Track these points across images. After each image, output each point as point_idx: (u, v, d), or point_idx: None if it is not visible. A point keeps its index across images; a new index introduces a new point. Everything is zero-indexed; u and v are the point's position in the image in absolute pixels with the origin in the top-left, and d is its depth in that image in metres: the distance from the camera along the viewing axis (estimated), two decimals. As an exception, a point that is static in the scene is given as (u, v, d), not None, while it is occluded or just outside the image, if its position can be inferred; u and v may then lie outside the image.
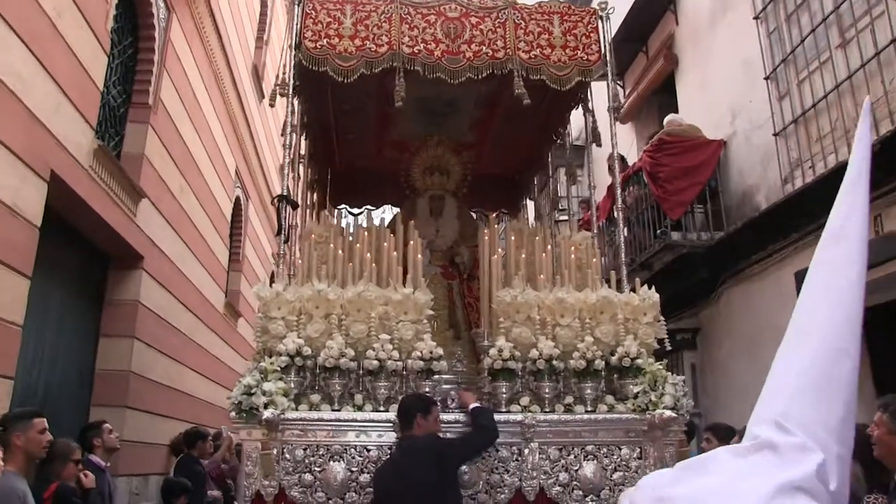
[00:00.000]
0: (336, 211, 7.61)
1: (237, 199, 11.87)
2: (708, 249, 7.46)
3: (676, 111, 8.95)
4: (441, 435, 4.23)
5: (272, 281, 5.06)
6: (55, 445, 4.30)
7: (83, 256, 6.95)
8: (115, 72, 7.05)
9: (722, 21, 7.94)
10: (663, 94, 9.65)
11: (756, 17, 7.04)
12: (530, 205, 8.39)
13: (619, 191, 5.80)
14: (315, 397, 4.46)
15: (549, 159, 7.23)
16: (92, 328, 7.18)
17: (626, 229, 7.47)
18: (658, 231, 7.74)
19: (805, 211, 6.06)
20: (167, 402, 8.33)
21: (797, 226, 6.22)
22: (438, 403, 4.44)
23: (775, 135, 6.65)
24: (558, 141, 6.85)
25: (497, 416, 4.44)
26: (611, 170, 5.87)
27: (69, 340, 6.69)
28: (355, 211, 7.84)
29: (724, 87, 7.89)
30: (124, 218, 6.95)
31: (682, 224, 7.70)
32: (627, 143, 9.69)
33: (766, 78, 6.83)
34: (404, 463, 3.99)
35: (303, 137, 6.15)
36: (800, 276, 6.22)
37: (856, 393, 1.93)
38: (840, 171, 5.39)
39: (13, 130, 4.96)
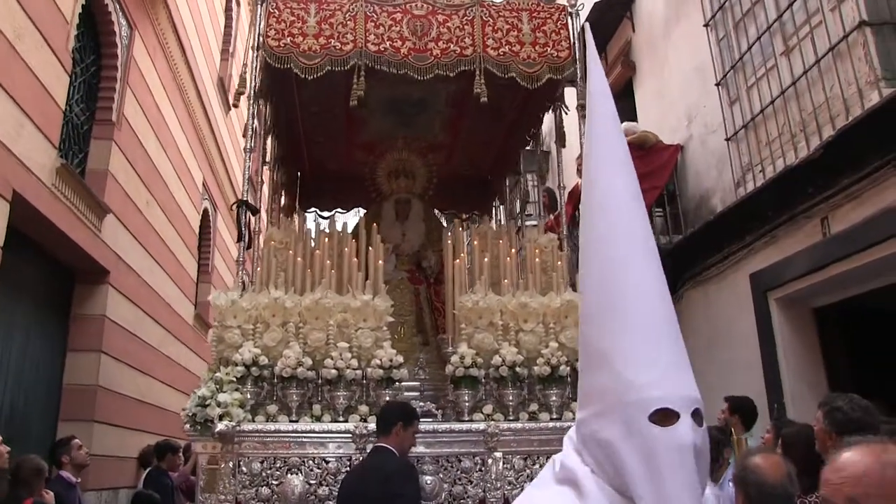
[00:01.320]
0: (304, 215, 7.52)
1: (205, 210, 11.88)
2: (667, 252, 7.60)
3: (635, 116, 9.14)
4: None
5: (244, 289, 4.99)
6: (27, 462, 4.26)
7: (49, 272, 6.97)
8: (78, 90, 7.09)
9: (676, 28, 8.12)
10: (622, 100, 9.80)
11: (706, 25, 7.22)
12: (501, 207, 8.35)
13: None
14: (272, 408, 4.38)
15: (520, 161, 7.19)
16: (59, 343, 7.20)
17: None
18: (618, 235, 7.87)
19: (757, 214, 6.24)
20: (136, 416, 8.35)
21: (750, 228, 6.39)
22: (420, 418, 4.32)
23: (727, 139, 6.82)
24: (530, 143, 6.87)
25: (460, 426, 4.40)
26: (579, 171, 5.90)
27: (36, 355, 6.71)
28: (325, 214, 7.76)
29: (680, 92, 8.07)
30: (89, 234, 6.98)
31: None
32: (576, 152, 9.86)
33: (717, 84, 7.01)
34: (370, 475, 3.87)
35: (269, 140, 6.08)
36: (755, 278, 6.42)
37: None
38: (789, 174, 5.65)
39: (-26, 152, 5.01)
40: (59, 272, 7.17)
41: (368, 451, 4.14)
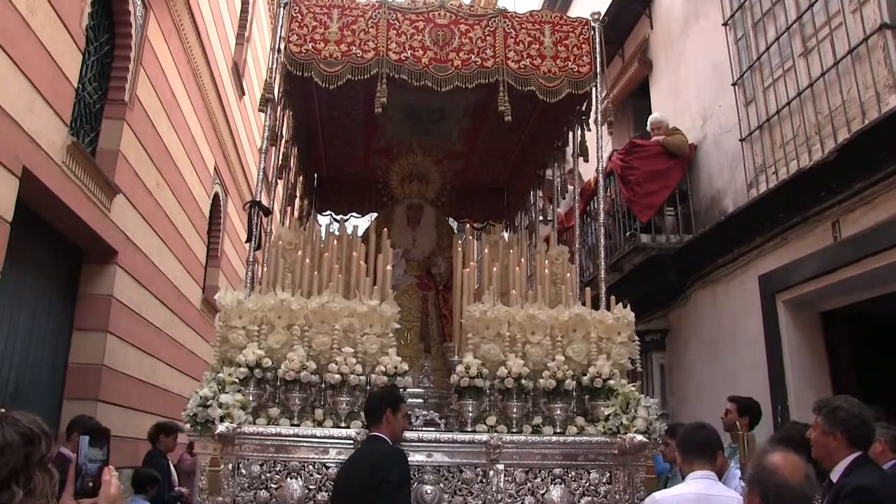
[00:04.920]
0: (315, 217, 7.51)
1: (216, 195, 11.90)
2: (677, 252, 7.56)
3: (650, 114, 9.06)
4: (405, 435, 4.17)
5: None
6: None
7: (57, 251, 6.99)
8: (90, 69, 7.09)
9: (694, 26, 8.05)
10: (638, 98, 9.77)
11: (725, 24, 7.15)
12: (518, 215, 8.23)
13: (601, 208, 5.67)
14: (274, 411, 4.34)
15: (543, 173, 7.07)
16: (66, 322, 7.22)
17: (592, 235, 7.53)
18: (628, 233, 7.85)
19: (768, 216, 6.20)
20: (140, 396, 8.38)
21: (761, 230, 6.34)
22: (407, 400, 4.36)
23: (741, 140, 6.77)
24: (553, 161, 6.70)
25: (462, 436, 4.36)
26: (596, 185, 5.76)
27: (42, 333, 6.74)
28: (340, 217, 7.69)
29: (696, 91, 8.01)
30: (98, 213, 6.99)
31: (654, 226, 7.80)
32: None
33: (734, 84, 6.95)
34: (359, 463, 3.92)
35: (287, 142, 6.04)
36: (763, 280, 6.37)
37: None
38: (802, 176, 5.60)
39: (-16, 127, 5.02)
40: (68, 251, 7.20)
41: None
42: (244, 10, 12.90)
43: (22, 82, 5.50)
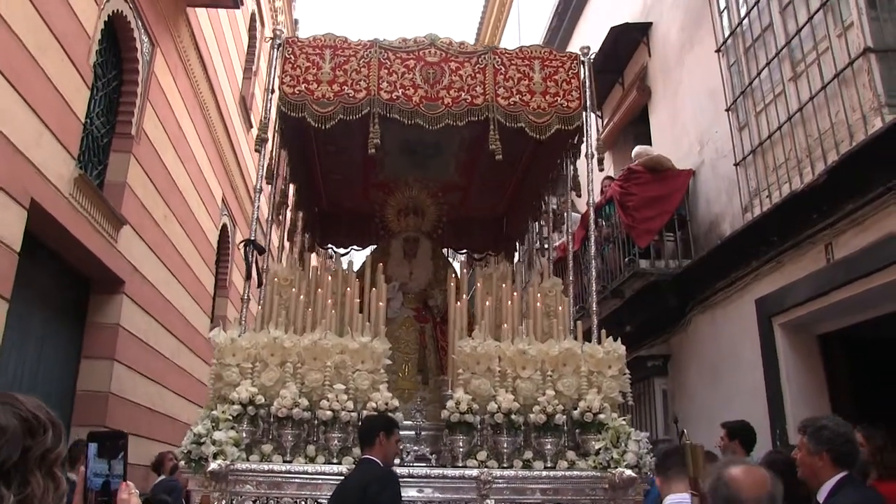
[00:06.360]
0: (310, 254, 7.42)
1: (224, 226, 12.08)
2: (676, 277, 7.60)
3: (650, 142, 9.17)
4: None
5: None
6: None
7: (65, 280, 7.14)
8: (98, 103, 7.30)
9: (690, 53, 8.17)
10: (638, 125, 9.87)
11: (718, 51, 7.27)
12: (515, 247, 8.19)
13: (592, 242, 5.65)
14: (267, 447, 4.38)
15: (539, 204, 7.02)
16: (73, 349, 7.36)
17: (598, 261, 7.57)
18: (626, 259, 7.91)
19: (763, 239, 6.24)
20: (147, 424, 8.47)
21: (756, 254, 6.38)
22: (399, 426, 4.39)
23: (736, 164, 6.84)
24: (548, 192, 6.70)
25: (453, 472, 4.38)
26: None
27: (50, 361, 6.87)
28: (341, 251, 7.85)
29: (693, 117, 8.10)
30: (105, 244, 7.15)
31: (653, 252, 7.85)
32: (604, 171, 9.91)
33: (727, 109, 7.04)
34: (351, 485, 3.96)
35: (287, 177, 6.11)
36: (760, 304, 6.40)
37: None
38: (794, 199, 5.66)
39: (-7, 160, 5.19)
40: (75, 280, 7.35)
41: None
42: (251, 45, 13.17)
43: (30, 117, 5.69)
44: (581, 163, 5.74)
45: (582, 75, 5.51)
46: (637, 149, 8.41)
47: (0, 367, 5.53)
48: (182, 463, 4.23)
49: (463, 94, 5.25)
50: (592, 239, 5.64)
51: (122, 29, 7.48)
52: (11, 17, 5.30)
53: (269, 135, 5.34)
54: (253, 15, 13.28)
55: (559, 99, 5.35)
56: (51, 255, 6.73)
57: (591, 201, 5.67)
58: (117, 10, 7.16)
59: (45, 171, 5.94)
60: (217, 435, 4.17)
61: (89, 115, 6.94)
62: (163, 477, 7.29)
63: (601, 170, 5.63)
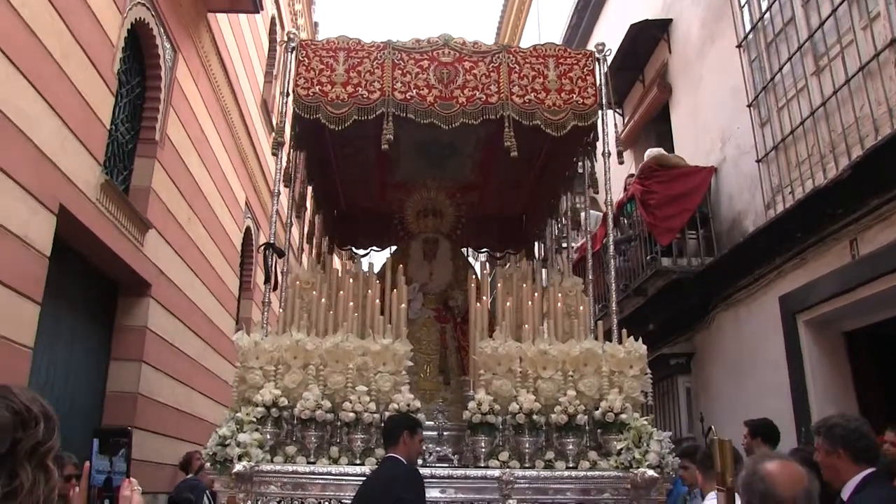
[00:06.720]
0: (331, 256, 7.50)
1: (248, 228, 12.19)
2: (698, 275, 7.57)
3: (671, 139, 9.14)
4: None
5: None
6: None
7: (94, 284, 7.26)
8: (123, 110, 7.41)
9: (711, 50, 8.13)
10: (659, 122, 9.83)
11: (739, 46, 7.22)
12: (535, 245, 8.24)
13: (611, 241, 5.62)
14: (291, 449, 4.44)
15: (557, 203, 7.02)
16: (102, 351, 7.49)
17: (619, 258, 7.56)
18: (648, 257, 7.89)
19: (786, 236, 6.19)
20: (175, 424, 8.59)
21: (780, 250, 6.34)
22: (423, 426, 4.44)
23: (758, 161, 6.80)
24: (566, 191, 6.69)
25: (475, 472, 4.42)
26: (605, 219, 5.78)
27: (80, 363, 6.99)
28: (360, 252, 7.89)
29: (714, 114, 8.06)
30: (132, 248, 7.25)
31: (675, 250, 7.82)
32: (624, 169, 9.88)
33: (749, 105, 7.00)
34: (376, 482, 4.02)
35: (304, 180, 6.14)
36: (784, 301, 6.36)
37: None
38: (817, 195, 5.62)
39: (23, 167, 5.29)
40: (103, 284, 7.46)
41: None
42: (272, 49, 13.26)
43: (58, 124, 5.79)
44: (599, 160, 5.72)
45: (597, 72, 5.51)
46: (649, 152, 8.40)
47: (33, 369, 5.62)
48: (208, 464, 4.30)
49: (477, 93, 5.28)
50: (611, 238, 5.64)
51: (144, 36, 7.58)
52: (39, 27, 5.40)
53: (286, 138, 5.38)
54: (273, 19, 13.37)
55: (574, 96, 5.36)
56: (79, 260, 6.83)
57: (608, 200, 5.67)
58: (140, 18, 7.26)
59: (73, 178, 6.03)
60: (242, 437, 4.24)
61: (114, 122, 7.04)
62: (190, 476, 7.38)
63: (620, 163, 5.62)
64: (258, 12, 10.13)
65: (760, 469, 2.33)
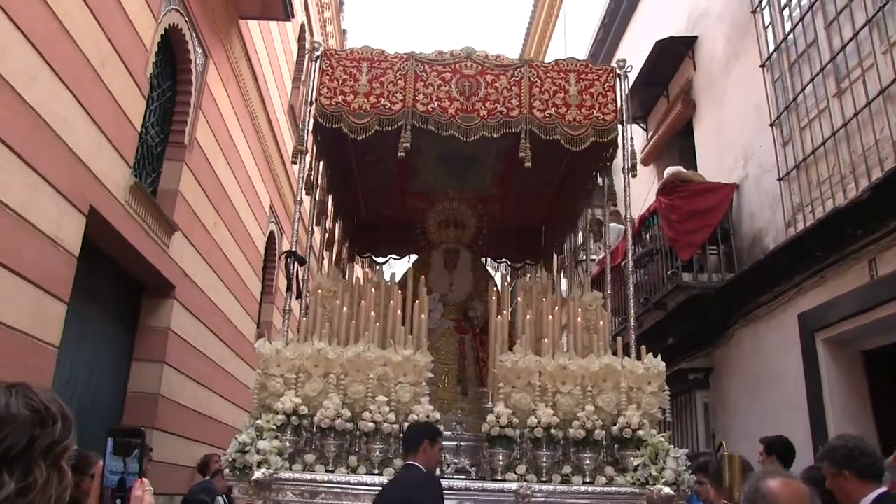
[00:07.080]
0: (353, 265, 7.58)
1: (271, 233, 12.34)
2: (718, 290, 7.59)
3: (694, 156, 9.17)
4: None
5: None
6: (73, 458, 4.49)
7: (119, 284, 7.39)
8: (153, 113, 7.57)
9: (735, 67, 8.16)
10: (683, 137, 9.85)
11: (762, 65, 7.26)
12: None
13: (630, 257, 5.68)
14: (310, 457, 4.48)
15: (577, 215, 7.05)
16: (126, 352, 7.61)
17: (639, 272, 7.60)
18: (669, 272, 7.91)
19: (806, 254, 6.22)
20: (195, 426, 8.70)
21: (799, 268, 6.36)
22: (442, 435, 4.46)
23: (779, 179, 6.82)
24: (586, 204, 6.72)
25: (492, 485, 4.43)
26: (627, 232, 5.81)
27: (104, 362, 7.12)
28: (380, 260, 7.96)
29: (738, 131, 8.08)
30: (157, 249, 7.39)
31: (696, 265, 7.84)
32: (648, 183, 9.91)
33: (772, 124, 7.02)
34: (396, 489, 4.01)
35: (325, 188, 6.22)
36: (803, 319, 6.37)
37: None
38: (837, 215, 5.64)
39: (56, 168, 5.43)
40: (129, 285, 7.60)
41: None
42: (300, 55, 13.43)
43: (91, 127, 5.94)
44: (620, 175, 5.76)
45: (618, 89, 5.53)
46: (668, 170, 8.44)
47: (58, 367, 5.75)
48: (227, 470, 4.35)
49: (498, 106, 5.30)
50: (630, 253, 5.68)
51: (177, 41, 7.74)
52: (76, 32, 5.55)
53: (308, 146, 5.46)
54: (303, 26, 13.54)
55: (595, 112, 5.37)
56: (106, 261, 6.97)
57: (627, 216, 5.70)
58: (173, 24, 7.42)
59: (104, 179, 6.18)
60: (261, 444, 4.30)
61: (145, 125, 7.19)
62: (207, 478, 7.46)
63: (633, 176, 5.65)
64: (289, 20, 10.28)
65: (763, 486, 2.38)
